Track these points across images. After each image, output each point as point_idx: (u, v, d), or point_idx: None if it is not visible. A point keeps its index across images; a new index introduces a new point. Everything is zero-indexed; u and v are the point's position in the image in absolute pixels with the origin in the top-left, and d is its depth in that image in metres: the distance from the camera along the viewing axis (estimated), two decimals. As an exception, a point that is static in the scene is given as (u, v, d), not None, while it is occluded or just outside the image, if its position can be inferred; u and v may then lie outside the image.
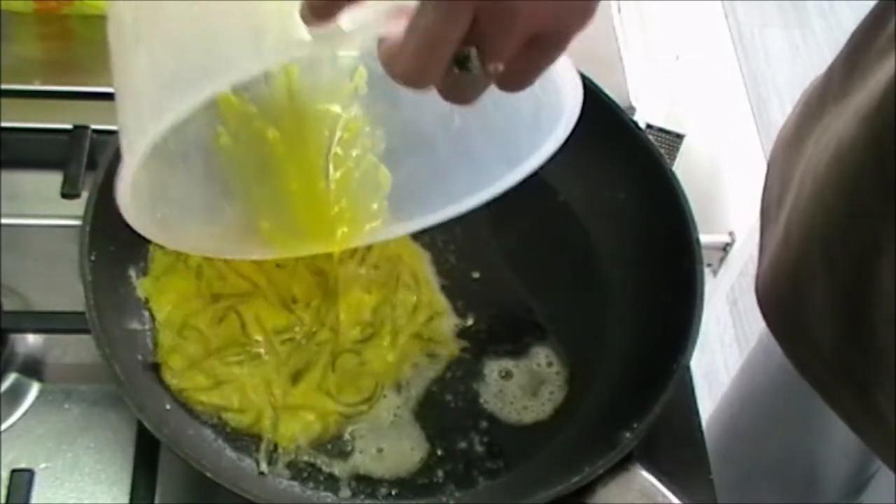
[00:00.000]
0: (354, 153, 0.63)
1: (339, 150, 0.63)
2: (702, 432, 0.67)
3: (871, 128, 0.56)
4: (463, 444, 0.64)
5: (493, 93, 0.48)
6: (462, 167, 0.61)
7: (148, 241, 0.67)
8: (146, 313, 0.65)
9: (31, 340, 0.67)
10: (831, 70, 0.65)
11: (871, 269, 0.57)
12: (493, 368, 0.67)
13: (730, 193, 1.00)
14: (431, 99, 0.56)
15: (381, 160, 0.64)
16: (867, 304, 0.59)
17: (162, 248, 0.66)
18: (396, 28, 0.43)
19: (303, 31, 0.43)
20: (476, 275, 0.71)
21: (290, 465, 0.62)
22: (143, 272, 0.66)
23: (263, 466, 0.61)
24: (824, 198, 0.61)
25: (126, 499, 0.61)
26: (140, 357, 0.64)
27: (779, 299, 0.68)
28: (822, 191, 0.61)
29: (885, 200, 0.56)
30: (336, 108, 0.63)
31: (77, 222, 0.63)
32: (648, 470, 0.60)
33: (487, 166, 0.60)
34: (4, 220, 0.70)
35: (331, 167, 0.63)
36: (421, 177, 0.63)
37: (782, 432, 0.86)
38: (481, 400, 0.66)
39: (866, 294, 0.58)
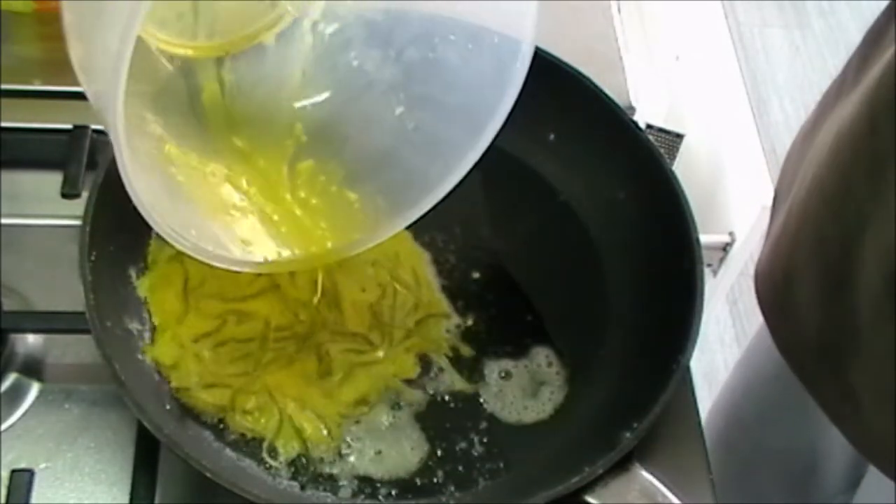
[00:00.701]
0: (317, 186, 0.63)
1: (301, 191, 0.63)
2: (702, 432, 0.67)
3: (869, 107, 0.57)
4: (463, 445, 0.64)
5: (438, 77, 0.47)
6: (432, 156, 0.61)
7: (148, 240, 0.67)
8: (146, 313, 0.65)
9: (31, 340, 0.67)
10: (847, 66, 0.66)
11: (856, 245, 0.58)
12: (493, 368, 0.67)
13: (730, 193, 1.00)
14: (378, 118, 0.57)
15: (343, 185, 0.64)
16: (851, 279, 0.59)
17: (160, 244, 0.66)
18: None
19: None
20: (476, 275, 0.71)
21: (291, 464, 0.62)
22: (143, 272, 0.66)
23: (271, 462, 0.62)
24: (822, 182, 0.62)
25: (126, 499, 0.61)
26: (140, 357, 0.64)
27: (773, 284, 0.69)
28: (821, 175, 0.62)
29: (874, 174, 0.57)
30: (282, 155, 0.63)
31: (77, 222, 0.63)
32: (648, 470, 0.60)
33: (458, 141, 0.60)
34: (4, 220, 0.70)
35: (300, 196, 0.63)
36: (393, 182, 0.63)
37: (784, 420, 0.87)
38: (481, 400, 0.66)
39: (851, 270, 0.59)
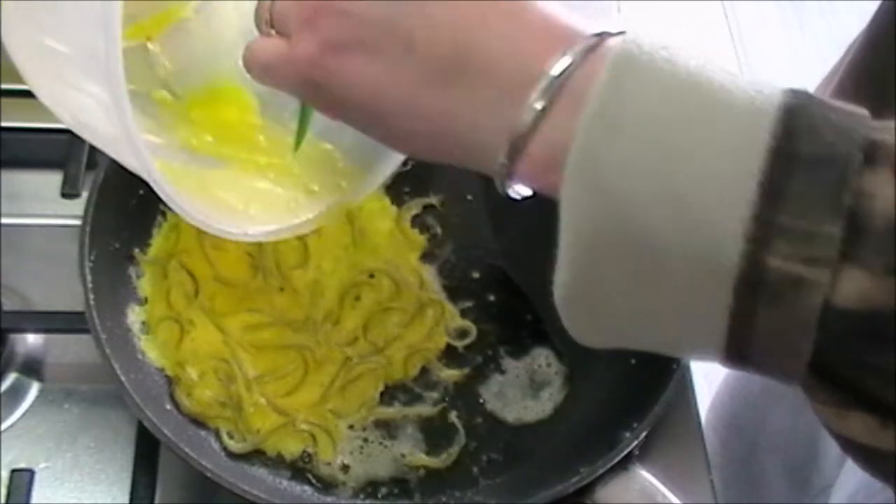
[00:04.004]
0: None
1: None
2: (702, 432, 0.67)
3: (869, 31, 0.60)
4: (463, 444, 0.64)
5: None
6: None
7: (148, 239, 0.67)
8: (146, 313, 0.65)
9: (31, 340, 0.67)
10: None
11: None
12: (492, 368, 0.67)
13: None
14: None
15: (320, 138, 0.61)
16: None
17: (160, 244, 0.66)
18: None
19: None
20: (476, 275, 0.71)
21: (291, 465, 0.62)
22: (143, 272, 0.66)
23: (271, 462, 0.62)
24: None
25: (126, 499, 0.61)
26: (140, 357, 0.64)
27: None
28: None
29: (876, 97, 0.58)
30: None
31: (77, 222, 0.63)
32: (648, 470, 0.60)
33: None
34: (4, 220, 0.70)
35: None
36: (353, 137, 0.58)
37: (785, 404, 0.86)
38: (481, 400, 0.66)
39: None
